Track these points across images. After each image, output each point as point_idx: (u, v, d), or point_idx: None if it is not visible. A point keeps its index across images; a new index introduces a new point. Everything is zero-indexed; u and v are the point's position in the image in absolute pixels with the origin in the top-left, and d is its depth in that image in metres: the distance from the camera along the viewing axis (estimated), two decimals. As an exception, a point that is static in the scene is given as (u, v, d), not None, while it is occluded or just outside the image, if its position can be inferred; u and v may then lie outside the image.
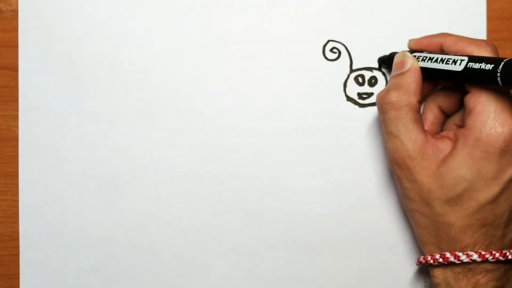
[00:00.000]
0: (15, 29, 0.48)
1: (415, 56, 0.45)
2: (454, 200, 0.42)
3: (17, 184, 0.48)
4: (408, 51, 0.46)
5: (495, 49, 0.43)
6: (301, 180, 0.49)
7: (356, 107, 0.49)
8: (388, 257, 0.49)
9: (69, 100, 0.48)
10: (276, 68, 0.48)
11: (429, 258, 0.44)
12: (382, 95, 0.44)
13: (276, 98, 0.48)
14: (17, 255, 0.48)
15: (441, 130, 0.47)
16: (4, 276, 0.49)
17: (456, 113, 0.46)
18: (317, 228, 0.49)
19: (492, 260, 0.42)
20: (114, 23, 0.48)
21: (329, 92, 0.49)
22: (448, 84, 0.47)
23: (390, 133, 0.44)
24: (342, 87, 0.49)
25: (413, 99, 0.43)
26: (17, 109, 0.48)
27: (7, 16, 0.48)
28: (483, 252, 0.42)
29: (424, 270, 0.48)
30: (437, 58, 0.44)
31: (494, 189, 0.42)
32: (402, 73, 0.44)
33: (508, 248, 0.43)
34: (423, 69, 0.44)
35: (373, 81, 0.49)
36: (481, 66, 0.41)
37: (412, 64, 0.44)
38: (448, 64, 0.43)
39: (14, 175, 0.48)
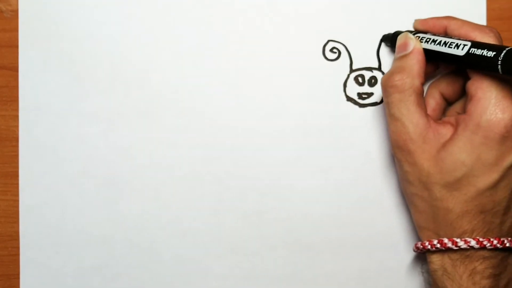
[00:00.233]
0: (15, 29, 0.48)
1: (418, 37, 0.45)
2: (453, 185, 0.42)
3: (17, 184, 0.48)
4: (412, 31, 0.46)
5: (498, 37, 0.43)
6: (301, 180, 0.49)
7: (356, 107, 0.49)
8: (388, 257, 0.49)
9: (69, 100, 0.48)
10: (276, 68, 0.48)
11: (426, 243, 0.44)
12: (386, 78, 0.44)
13: (276, 98, 0.48)
14: (17, 255, 0.48)
15: (443, 117, 0.47)
16: (4, 276, 0.49)
17: (457, 101, 0.46)
18: (317, 228, 0.49)
19: (490, 247, 0.42)
20: (114, 23, 0.48)
21: (329, 92, 0.49)
22: (449, 68, 0.47)
23: (392, 115, 0.44)
24: (342, 87, 0.49)
25: (417, 82, 0.44)
26: (17, 109, 0.48)
27: (7, 16, 0.48)
28: (481, 239, 0.42)
29: (422, 257, 0.48)
30: (440, 41, 0.44)
31: (493, 175, 0.42)
32: (405, 55, 0.45)
33: (506, 235, 0.43)
34: (425, 51, 0.44)
35: (373, 81, 0.49)
36: (483, 52, 0.41)
37: (415, 46, 0.44)
38: (451, 48, 0.43)
39: (14, 175, 0.48)
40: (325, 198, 0.49)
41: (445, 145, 0.42)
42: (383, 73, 0.49)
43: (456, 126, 0.43)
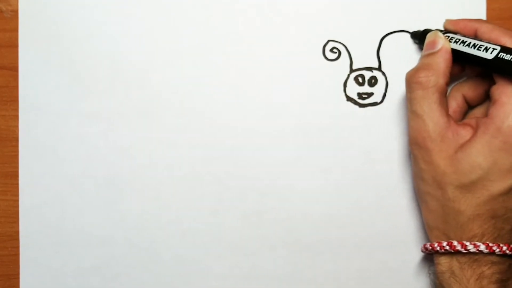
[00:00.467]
0: (15, 29, 0.48)
1: (448, 37, 0.45)
2: (467, 187, 0.42)
3: (17, 184, 0.48)
4: (442, 31, 0.46)
5: None
6: (301, 180, 0.49)
7: (356, 107, 0.49)
8: (388, 257, 0.49)
9: (69, 100, 0.48)
10: (276, 68, 0.48)
11: (435, 244, 0.44)
12: (411, 74, 0.44)
13: (276, 98, 0.48)
14: (17, 255, 0.48)
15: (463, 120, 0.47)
16: (4, 276, 0.49)
17: (479, 106, 0.46)
18: (317, 228, 0.49)
19: (498, 253, 0.42)
20: (114, 23, 0.48)
21: (329, 92, 0.48)
22: (475, 72, 0.47)
23: (414, 112, 0.44)
24: (342, 87, 0.49)
25: (441, 80, 0.43)
26: (17, 109, 0.48)
27: (7, 16, 0.48)
28: (490, 244, 0.42)
29: (429, 259, 0.48)
30: (470, 43, 0.44)
31: (508, 181, 0.42)
32: (433, 53, 0.45)
33: None
34: (453, 51, 0.44)
35: (373, 81, 0.49)
36: (511, 58, 0.41)
37: (444, 45, 0.44)
38: (480, 50, 0.43)
39: (14, 175, 0.48)
40: (325, 198, 0.49)
41: (463, 146, 0.42)
42: (383, 73, 0.49)
43: (476, 129, 0.43)
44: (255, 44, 0.48)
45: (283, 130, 0.48)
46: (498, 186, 0.42)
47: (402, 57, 0.48)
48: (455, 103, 0.46)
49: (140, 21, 0.48)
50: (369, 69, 0.49)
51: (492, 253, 0.42)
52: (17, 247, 0.48)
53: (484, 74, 0.46)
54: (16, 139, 0.48)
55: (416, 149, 0.44)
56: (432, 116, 0.43)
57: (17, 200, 0.48)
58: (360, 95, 0.49)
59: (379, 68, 0.49)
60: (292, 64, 0.48)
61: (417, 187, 0.46)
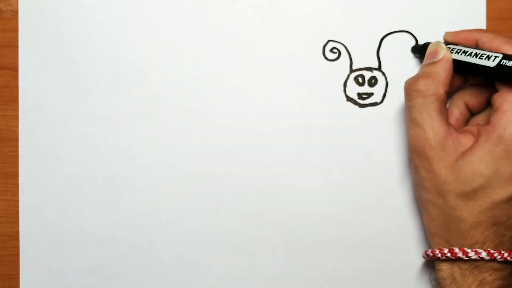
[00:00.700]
0: (15, 29, 0.48)
1: (449, 47, 0.45)
2: (468, 194, 0.42)
3: (17, 184, 0.48)
4: (443, 43, 0.46)
5: None
6: (301, 180, 0.49)
7: (356, 107, 0.49)
8: (388, 257, 0.49)
9: (69, 100, 0.48)
10: (276, 68, 0.48)
11: (437, 251, 0.44)
12: (411, 82, 0.44)
13: (276, 98, 0.48)
14: (17, 255, 0.48)
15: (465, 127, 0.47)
16: (4, 276, 0.49)
17: (480, 113, 0.46)
18: (317, 228, 0.49)
19: (500, 260, 0.42)
20: (114, 23, 0.48)
21: (329, 92, 0.48)
22: (478, 81, 0.46)
23: (413, 120, 0.44)
24: (342, 87, 0.49)
25: (441, 89, 0.43)
26: (17, 109, 0.48)
27: (7, 16, 0.48)
28: (492, 251, 0.42)
29: (430, 264, 0.48)
30: (471, 52, 0.44)
31: (510, 189, 0.42)
32: (434, 62, 0.44)
33: None
34: (455, 62, 0.44)
35: (373, 81, 0.49)
36: None
37: (445, 55, 0.44)
38: (482, 59, 0.43)
39: (14, 175, 0.48)
40: (325, 198, 0.49)
41: (464, 154, 0.42)
42: (383, 73, 0.49)
43: (477, 136, 0.43)
44: (255, 44, 0.48)
45: (283, 130, 0.48)
46: (500, 193, 0.42)
47: (402, 57, 0.48)
48: (458, 110, 0.46)
49: (140, 21, 0.48)
50: (369, 69, 0.49)
51: (493, 259, 0.42)
52: (17, 247, 0.48)
53: (486, 83, 0.46)
54: (16, 139, 0.48)
55: (416, 158, 0.44)
56: (431, 124, 0.43)
57: (17, 200, 0.48)
58: (360, 95, 0.49)
59: (379, 68, 0.49)
60: (292, 64, 0.48)
61: (418, 195, 0.46)
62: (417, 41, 0.48)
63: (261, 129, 0.48)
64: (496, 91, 0.43)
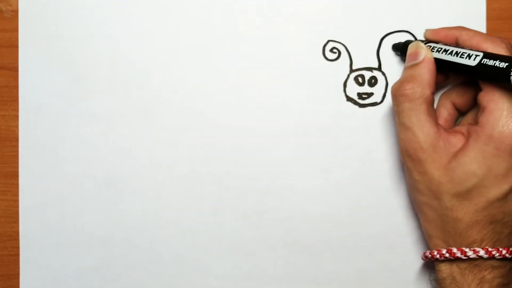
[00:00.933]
0: (15, 29, 0.48)
1: (430, 46, 0.45)
2: (463, 195, 0.42)
3: (17, 184, 0.48)
4: (423, 41, 0.46)
5: (510, 48, 0.43)
6: (301, 180, 0.49)
7: (356, 107, 0.49)
8: (388, 257, 0.49)
9: (69, 100, 0.48)
10: (276, 68, 0.48)
11: (435, 253, 0.44)
12: (397, 87, 0.44)
13: (276, 98, 0.48)
14: (17, 255, 0.48)
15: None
16: (4, 276, 0.49)
17: (469, 112, 0.46)
18: (317, 228, 0.49)
19: (498, 257, 0.42)
20: (114, 23, 0.48)
21: (329, 92, 0.49)
22: (460, 79, 0.47)
23: (403, 124, 0.44)
24: (342, 87, 0.49)
25: (427, 91, 0.43)
26: (17, 109, 0.48)
27: (7, 16, 0.48)
28: (490, 249, 0.42)
29: (430, 265, 0.48)
30: (452, 51, 0.44)
31: (504, 186, 0.42)
32: (416, 64, 0.44)
33: None
34: (436, 60, 0.44)
35: (373, 81, 0.49)
36: (495, 63, 0.41)
37: (426, 55, 0.44)
38: (462, 58, 0.43)
39: (14, 175, 0.48)
40: (325, 198, 0.49)
41: (456, 155, 0.42)
42: (383, 73, 0.49)
43: (467, 137, 0.43)
44: (255, 44, 0.48)
45: (283, 130, 0.48)
46: (494, 192, 0.42)
47: (402, 57, 0.48)
48: (446, 111, 0.46)
49: (140, 21, 0.48)
50: (369, 69, 0.49)
51: (492, 257, 0.42)
52: (17, 247, 0.48)
53: (471, 80, 0.46)
54: (16, 139, 0.48)
55: (409, 161, 0.44)
56: (421, 127, 0.43)
57: (17, 200, 0.48)
58: (360, 95, 0.49)
59: (379, 68, 0.49)
60: (292, 64, 0.48)
61: (413, 199, 0.46)
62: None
63: (261, 129, 0.48)
64: (480, 89, 0.43)
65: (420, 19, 0.48)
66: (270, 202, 0.49)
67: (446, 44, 0.45)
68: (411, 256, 0.49)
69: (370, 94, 0.49)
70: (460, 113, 0.47)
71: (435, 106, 0.47)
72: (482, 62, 0.42)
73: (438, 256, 0.43)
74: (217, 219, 0.49)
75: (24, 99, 0.48)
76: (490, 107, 0.42)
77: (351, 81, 0.49)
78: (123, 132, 0.48)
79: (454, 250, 0.42)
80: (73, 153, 0.48)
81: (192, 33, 0.48)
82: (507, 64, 0.40)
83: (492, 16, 0.48)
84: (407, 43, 0.47)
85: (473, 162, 0.42)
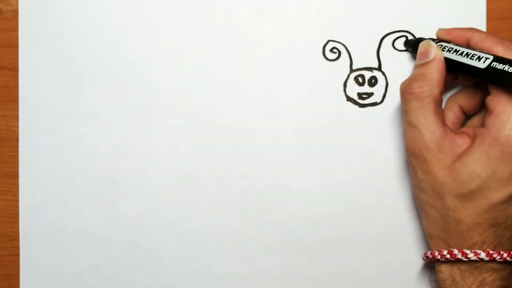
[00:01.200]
0: (15, 29, 0.48)
1: (441, 46, 0.45)
2: (466, 196, 0.42)
3: (17, 184, 0.48)
4: (435, 40, 0.46)
5: None
6: (301, 180, 0.49)
7: (356, 107, 0.49)
8: (388, 257, 0.49)
9: (69, 100, 0.48)
10: (276, 68, 0.48)
11: (436, 253, 0.44)
12: (406, 85, 0.44)
13: (276, 98, 0.48)
14: (17, 255, 0.48)
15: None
16: (4, 276, 0.49)
17: (476, 114, 0.46)
18: (317, 228, 0.49)
19: (499, 260, 0.42)
20: (114, 23, 0.48)
21: (329, 92, 0.49)
22: (469, 81, 0.47)
23: (409, 122, 0.44)
24: (342, 87, 0.49)
25: (436, 90, 0.43)
26: (17, 109, 0.48)
27: (7, 16, 0.48)
28: (491, 252, 0.42)
29: (430, 265, 0.48)
30: (462, 52, 0.44)
31: (508, 190, 0.42)
32: (426, 63, 0.44)
33: None
34: (446, 60, 0.44)
35: (373, 81, 0.49)
36: (504, 67, 0.41)
37: (436, 54, 0.44)
38: (472, 59, 0.43)
39: (14, 175, 0.48)
40: (325, 198, 0.49)
41: (460, 156, 0.42)
42: (383, 73, 0.49)
43: (473, 138, 0.43)
44: (255, 44, 0.48)
45: (283, 130, 0.48)
46: (497, 194, 0.42)
47: (402, 57, 0.48)
48: (453, 114, 0.46)
49: (140, 21, 0.48)
50: (369, 69, 0.49)
51: (493, 260, 0.42)
52: (17, 247, 0.48)
53: (479, 83, 0.46)
54: (16, 139, 0.48)
55: (414, 160, 0.44)
56: (428, 126, 0.43)
57: (17, 200, 0.48)
58: (360, 95, 0.49)
59: (379, 68, 0.49)
60: (292, 64, 0.48)
61: (416, 197, 0.46)
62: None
63: (261, 129, 0.48)
64: (489, 92, 0.43)
65: (420, 19, 0.48)
66: (270, 202, 0.49)
67: (457, 45, 0.45)
68: (411, 256, 0.49)
69: (370, 94, 0.49)
70: (467, 116, 0.47)
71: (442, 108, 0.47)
72: (491, 65, 0.42)
73: (439, 256, 0.43)
74: (217, 219, 0.49)
75: (24, 99, 0.48)
76: (497, 110, 0.42)
77: (351, 81, 0.49)
78: (123, 132, 0.48)
79: (455, 251, 0.42)
80: (73, 153, 0.48)
81: (192, 33, 0.48)
82: None
83: (492, 16, 0.48)
84: (419, 40, 0.47)
85: (477, 164, 0.42)
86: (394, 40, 0.48)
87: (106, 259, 0.49)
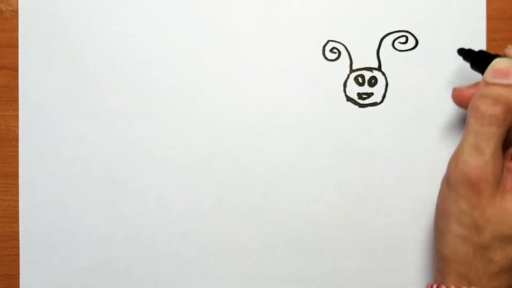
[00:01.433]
0: (15, 29, 0.48)
1: None
2: (508, 239, 0.39)
3: (17, 184, 0.48)
4: (500, 56, 0.42)
5: None
6: (301, 180, 0.49)
7: (356, 107, 0.49)
8: (388, 257, 0.49)
9: (69, 100, 0.48)
10: (276, 68, 0.48)
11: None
12: (488, 106, 0.39)
13: (276, 98, 0.48)
14: (17, 255, 0.48)
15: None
16: (4, 276, 0.49)
17: None
18: (317, 228, 0.49)
19: None
20: (114, 23, 0.48)
21: (329, 92, 0.48)
22: None
23: (477, 147, 0.39)
24: (342, 87, 0.49)
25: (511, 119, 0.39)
26: (17, 109, 0.48)
27: (7, 16, 0.48)
28: None
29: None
30: None
31: None
32: (508, 86, 0.39)
33: None
34: None
35: (373, 81, 0.49)
36: None
37: None
38: None
39: (14, 175, 0.48)
40: (325, 198, 0.49)
41: (508, 195, 0.39)
42: (383, 73, 0.48)
43: None
44: (255, 44, 0.48)
45: (283, 130, 0.48)
46: None
47: (402, 57, 0.48)
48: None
49: (140, 21, 0.48)
50: (369, 69, 0.49)
51: None
52: (17, 247, 0.48)
53: None
54: (16, 139, 0.48)
55: (464, 189, 0.39)
56: (496, 158, 0.39)
57: (17, 200, 0.48)
58: (360, 95, 0.49)
59: (379, 68, 0.49)
60: (292, 64, 0.48)
61: (444, 227, 0.41)
62: (417, 41, 0.48)
63: (261, 129, 0.48)
64: None
65: (420, 19, 0.48)
66: (270, 202, 0.49)
67: None
68: (411, 256, 0.49)
69: (370, 94, 0.49)
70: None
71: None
72: None
73: None
74: (217, 219, 0.49)
75: (24, 99, 0.48)
76: None
77: (351, 81, 0.49)
78: (123, 132, 0.48)
79: None
80: (73, 153, 0.48)
81: (192, 33, 0.48)
82: None
83: (492, 16, 0.48)
84: (483, 53, 0.42)
85: None
86: (394, 40, 0.48)
87: (106, 259, 0.49)
